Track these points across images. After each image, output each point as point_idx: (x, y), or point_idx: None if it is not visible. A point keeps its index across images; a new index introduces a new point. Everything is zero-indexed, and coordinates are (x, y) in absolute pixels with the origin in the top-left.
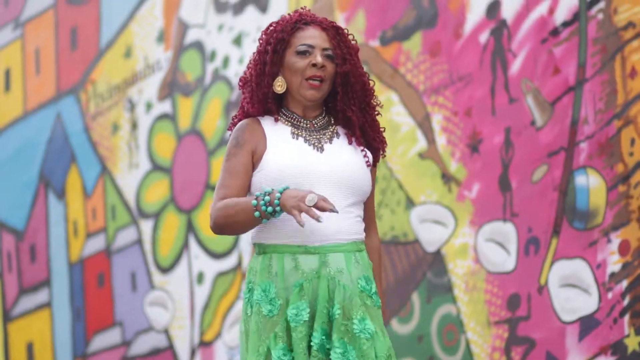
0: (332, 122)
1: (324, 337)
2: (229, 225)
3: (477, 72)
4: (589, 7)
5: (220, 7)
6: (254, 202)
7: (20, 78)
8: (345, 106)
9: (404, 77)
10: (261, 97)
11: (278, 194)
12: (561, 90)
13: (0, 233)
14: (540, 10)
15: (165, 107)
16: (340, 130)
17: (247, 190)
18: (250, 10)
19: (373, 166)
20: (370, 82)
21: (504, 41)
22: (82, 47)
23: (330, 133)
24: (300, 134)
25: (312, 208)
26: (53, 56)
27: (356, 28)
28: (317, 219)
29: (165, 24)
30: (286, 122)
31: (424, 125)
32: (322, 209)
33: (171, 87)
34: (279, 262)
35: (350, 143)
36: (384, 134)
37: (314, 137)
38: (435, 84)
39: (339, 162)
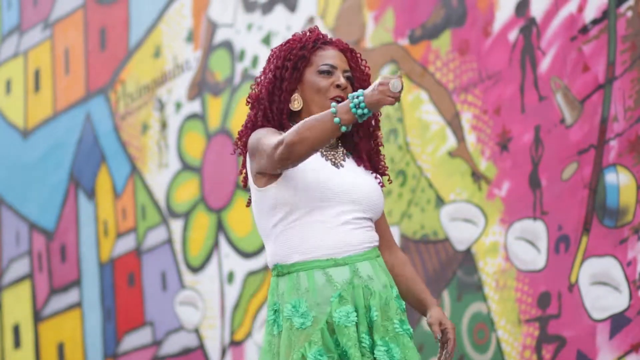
0: (340, 143)
1: (371, 341)
2: (301, 141)
3: (506, 70)
4: (618, 4)
5: (249, 7)
6: (333, 109)
7: (49, 78)
8: (354, 131)
9: (433, 76)
10: (276, 112)
11: (360, 95)
12: (591, 88)
13: (31, 233)
14: (570, 8)
15: (195, 106)
16: (347, 153)
17: None
18: (279, 10)
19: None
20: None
21: (533, 39)
22: (111, 47)
23: (341, 153)
24: None
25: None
26: (82, 56)
27: (385, 27)
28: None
29: (194, 24)
30: None
31: (454, 123)
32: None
33: (200, 87)
34: (309, 279)
35: (359, 165)
36: (416, 134)
37: (330, 154)
38: (464, 83)
39: (357, 179)
